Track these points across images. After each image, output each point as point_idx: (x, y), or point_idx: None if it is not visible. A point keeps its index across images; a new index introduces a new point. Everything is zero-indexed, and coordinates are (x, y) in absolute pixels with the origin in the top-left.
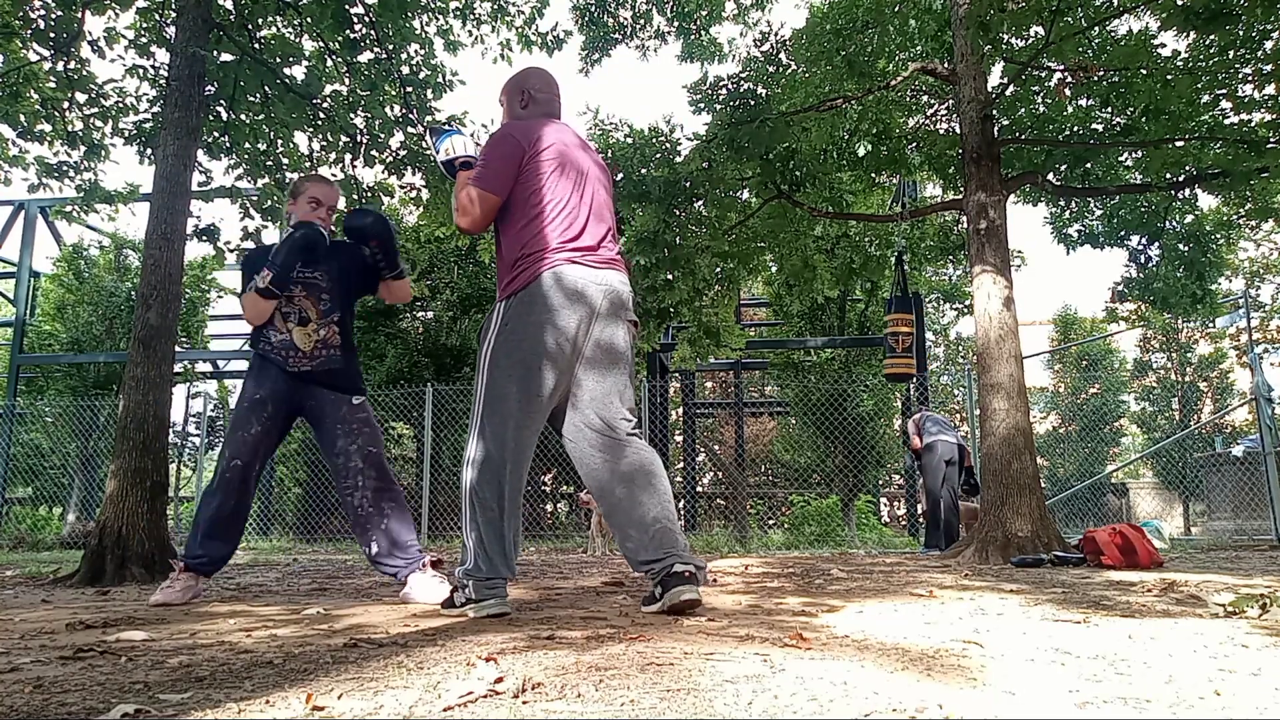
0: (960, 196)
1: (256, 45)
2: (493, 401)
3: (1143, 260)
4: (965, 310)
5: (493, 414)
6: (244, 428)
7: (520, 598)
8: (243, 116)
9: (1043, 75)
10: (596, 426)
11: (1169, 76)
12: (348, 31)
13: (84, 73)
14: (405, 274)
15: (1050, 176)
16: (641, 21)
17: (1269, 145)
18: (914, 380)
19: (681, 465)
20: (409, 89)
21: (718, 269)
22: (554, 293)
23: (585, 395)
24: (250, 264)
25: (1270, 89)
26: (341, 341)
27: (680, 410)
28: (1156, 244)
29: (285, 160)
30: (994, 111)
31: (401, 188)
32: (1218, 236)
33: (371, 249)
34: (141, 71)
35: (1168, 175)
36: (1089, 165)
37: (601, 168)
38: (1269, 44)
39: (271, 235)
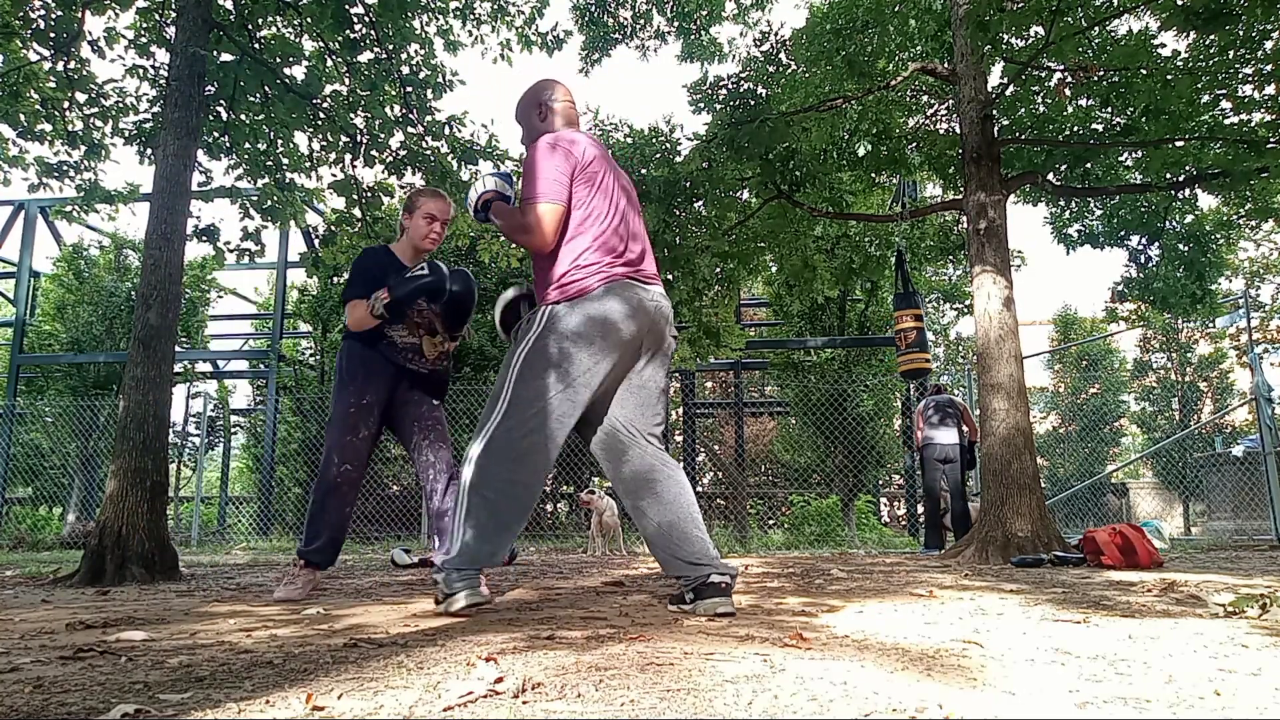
0: (960, 196)
1: (256, 45)
2: (521, 403)
3: (1143, 260)
4: (965, 310)
5: (520, 416)
6: (353, 432)
7: (520, 598)
8: (243, 116)
9: (1043, 75)
10: (627, 436)
11: (1169, 76)
12: (348, 31)
13: (84, 73)
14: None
15: (1050, 176)
16: (641, 21)
17: (1269, 145)
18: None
19: (681, 465)
20: (409, 89)
21: (718, 269)
22: (612, 305)
23: (626, 408)
24: (364, 270)
25: (1270, 89)
26: (448, 359)
27: (680, 410)
28: (1156, 244)
29: (285, 160)
30: (994, 111)
31: (401, 188)
32: (1218, 236)
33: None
34: (141, 71)
35: (1168, 175)
36: (1089, 165)
37: (629, 183)
38: (1269, 44)
39: (272, 235)
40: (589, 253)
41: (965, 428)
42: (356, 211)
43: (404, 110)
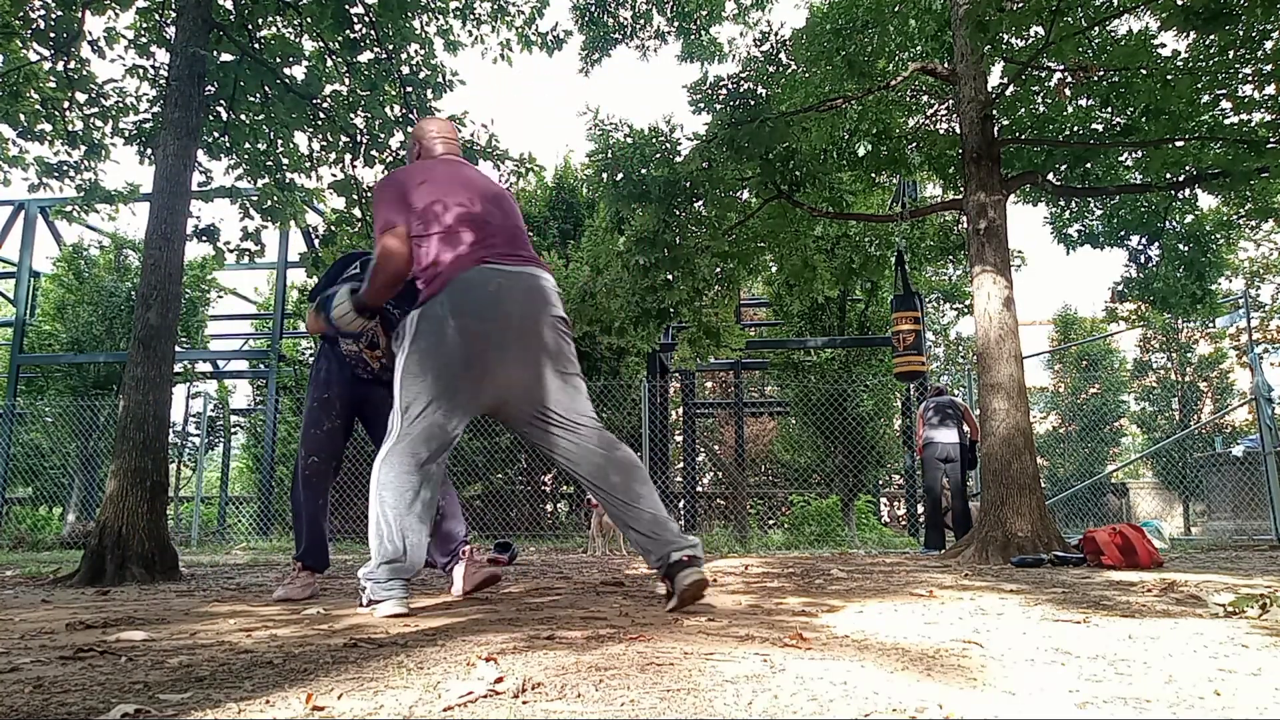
0: (960, 196)
1: (256, 45)
2: (408, 409)
3: (1143, 260)
4: (965, 310)
5: (409, 421)
6: (317, 425)
7: (520, 598)
8: (243, 116)
9: (1043, 75)
10: (558, 421)
11: (1169, 76)
12: (348, 31)
13: (84, 73)
14: None
15: (1050, 176)
16: (641, 21)
17: (1269, 145)
18: (921, 379)
19: (681, 465)
20: (409, 89)
21: (718, 269)
22: (468, 295)
23: (532, 396)
24: (327, 274)
25: (1270, 89)
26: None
27: (680, 410)
28: (1156, 244)
29: (285, 160)
30: (994, 111)
31: None
32: (1218, 236)
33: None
34: (141, 71)
35: (1168, 175)
36: (1089, 165)
37: (501, 190)
38: (1269, 44)
39: (272, 235)
40: (439, 254)
41: (966, 427)
42: (356, 211)
43: (404, 110)
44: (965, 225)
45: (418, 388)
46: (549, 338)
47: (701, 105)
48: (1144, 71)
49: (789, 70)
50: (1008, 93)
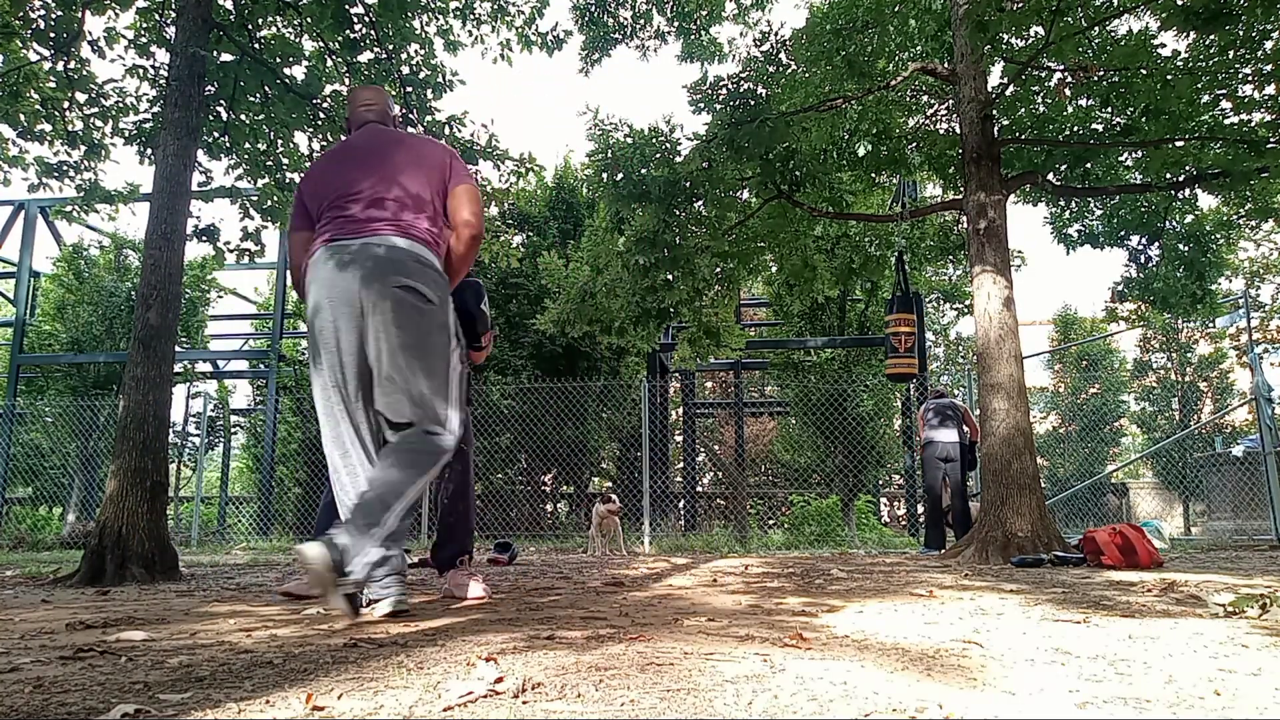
0: (960, 196)
1: (256, 45)
2: (318, 405)
3: (1143, 260)
4: (965, 310)
5: (321, 418)
6: None
7: (520, 598)
8: (243, 116)
9: (1043, 75)
10: (384, 415)
11: (1169, 76)
12: (348, 31)
13: (84, 73)
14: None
15: (1050, 176)
16: (641, 21)
17: (1269, 145)
18: (915, 380)
19: (681, 465)
20: (409, 89)
21: (718, 269)
22: (315, 282)
23: (375, 370)
24: None
25: (1270, 89)
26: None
27: (680, 410)
28: (1156, 244)
29: (285, 160)
30: (994, 111)
31: None
32: (1218, 236)
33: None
34: (141, 71)
35: (1168, 175)
36: (1089, 165)
37: (391, 145)
38: (1269, 44)
39: (272, 235)
40: (315, 245)
41: (966, 428)
42: None
43: (404, 110)
44: (965, 225)
45: (317, 383)
46: (385, 308)
47: (701, 105)
48: (1144, 71)
49: (789, 70)
50: (1008, 93)
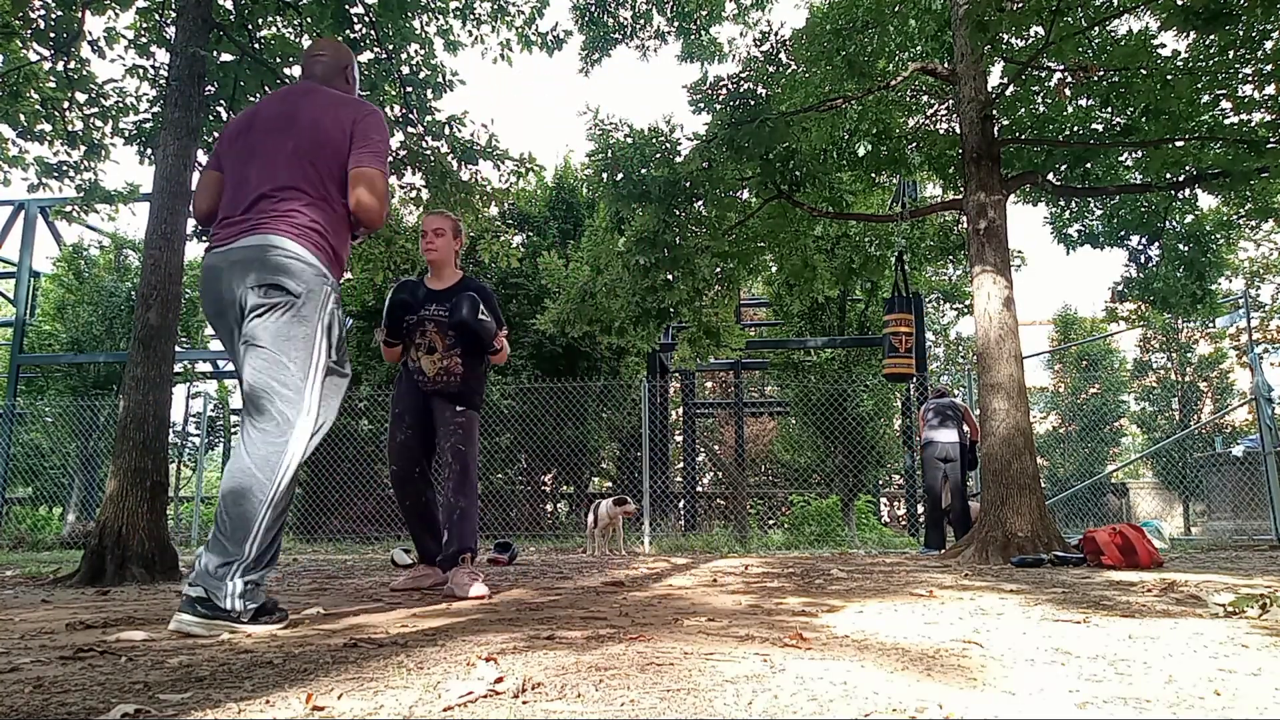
0: (960, 196)
1: (256, 45)
2: None
3: (1143, 260)
4: (965, 310)
5: None
6: (391, 437)
7: (520, 598)
8: None
9: (1043, 75)
10: (245, 402)
11: (1169, 76)
12: (348, 31)
13: (84, 73)
14: (494, 350)
15: (1050, 176)
16: (641, 21)
17: (1269, 145)
18: (914, 380)
19: (681, 465)
20: (409, 89)
21: (718, 269)
22: (201, 294)
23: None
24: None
25: (1270, 89)
26: (463, 370)
27: (680, 410)
28: (1156, 244)
29: None
30: (994, 111)
31: (401, 188)
32: (1218, 236)
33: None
34: (141, 71)
35: (1168, 175)
36: (1089, 165)
37: (291, 113)
38: (1269, 44)
39: None
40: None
41: (966, 428)
42: None
43: (404, 110)
44: (965, 225)
45: None
46: (246, 314)
47: (701, 105)
48: (1144, 71)
49: (789, 70)
50: (1008, 93)
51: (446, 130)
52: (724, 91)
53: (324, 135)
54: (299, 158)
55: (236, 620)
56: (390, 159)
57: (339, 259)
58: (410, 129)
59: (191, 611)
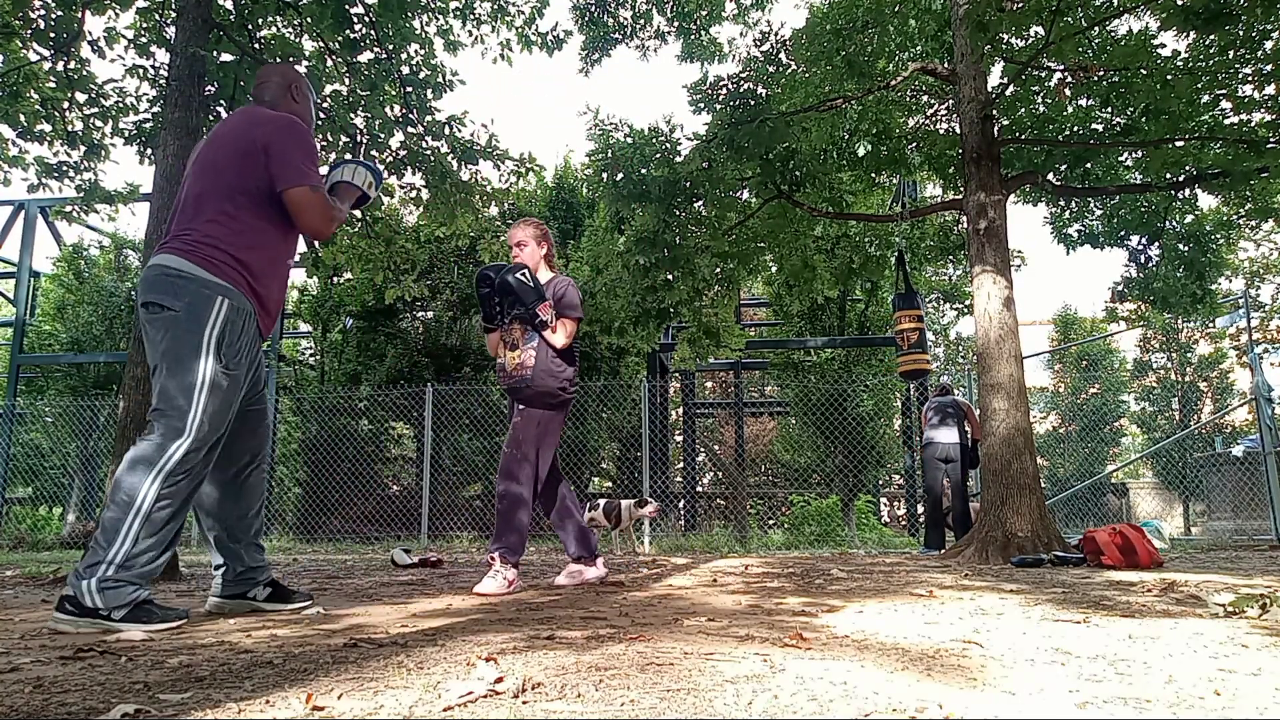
0: (960, 196)
1: (256, 45)
2: None
3: (1143, 260)
4: (965, 310)
5: None
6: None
7: (520, 598)
8: None
9: (1043, 75)
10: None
11: (1169, 76)
12: (348, 31)
13: (84, 73)
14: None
15: (1050, 176)
16: (641, 21)
17: (1269, 145)
18: (922, 379)
19: (681, 465)
20: (409, 89)
21: (718, 269)
22: None
23: None
24: None
25: (1270, 89)
26: (534, 364)
27: (680, 410)
28: (1156, 244)
29: None
30: (994, 111)
31: (401, 188)
32: (1218, 236)
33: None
34: (141, 71)
35: (1168, 175)
36: (1089, 165)
37: (222, 136)
38: (1269, 44)
39: None
40: None
41: (968, 426)
42: (356, 211)
43: (404, 110)
44: (965, 225)
45: None
46: (145, 332)
47: (701, 105)
48: (1144, 71)
49: (789, 70)
50: (1008, 93)
51: (446, 130)
52: (724, 91)
53: (231, 152)
54: (206, 177)
55: (107, 618)
56: (390, 159)
57: (247, 266)
58: (410, 129)
59: (61, 609)
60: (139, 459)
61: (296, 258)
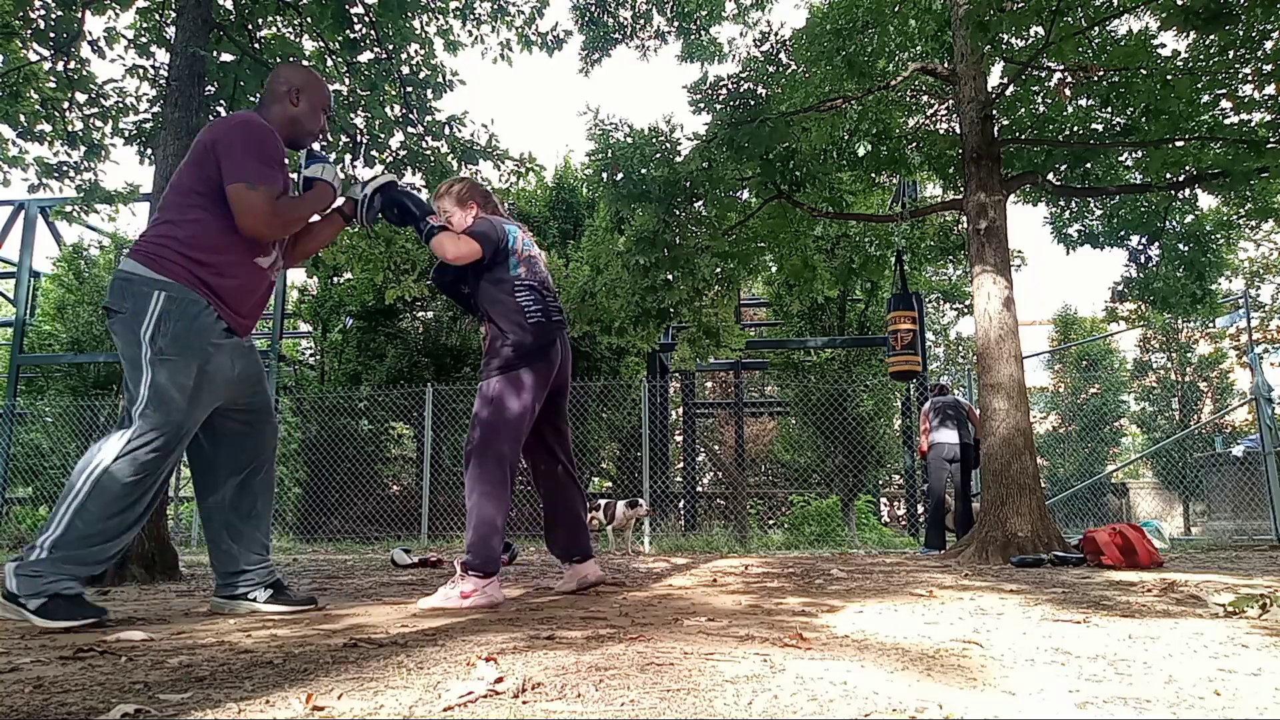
0: (960, 196)
1: (256, 45)
2: None
3: (1143, 260)
4: (965, 310)
5: None
6: None
7: (520, 598)
8: None
9: (1043, 75)
10: None
11: (1169, 76)
12: (348, 31)
13: (84, 73)
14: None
15: (1050, 176)
16: (641, 21)
17: (1269, 145)
18: (915, 379)
19: (681, 465)
20: (409, 89)
21: (718, 269)
22: None
23: None
24: None
25: (1270, 89)
26: (490, 335)
27: (680, 410)
28: (1156, 244)
29: (285, 161)
30: (994, 111)
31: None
32: (1218, 236)
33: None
34: (141, 71)
35: (1168, 175)
36: (1089, 165)
37: (200, 134)
38: (1269, 44)
39: None
40: None
41: (971, 427)
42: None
43: (404, 110)
44: (965, 225)
45: None
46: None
47: (701, 105)
48: (1144, 71)
49: (789, 70)
50: (1008, 93)
51: (446, 130)
52: (724, 91)
53: (190, 158)
54: (171, 184)
55: (24, 606)
56: (390, 160)
57: (201, 264)
58: (410, 129)
59: (3, 594)
60: (91, 453)
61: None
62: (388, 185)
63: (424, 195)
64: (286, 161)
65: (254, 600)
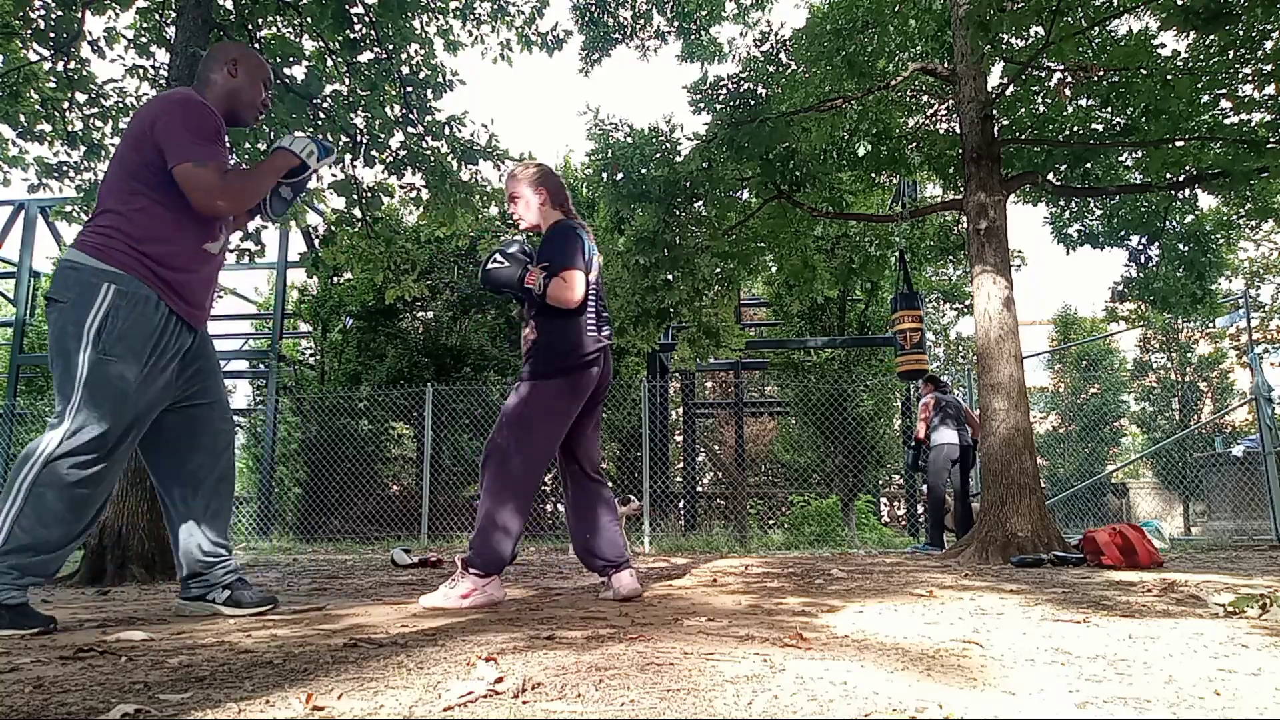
0: (960, 196)
1: (256, 45)
2: None
3: (1143, 260)
4: (965, 310)
5: None
6: None
7: (520, 598)
8: None
9: (1043, 75)
10: None
11: (1169, 76)
12: (348, 31)
13: (84, 73)
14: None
15: (1050, 176)
16: (641, 21)
17: (1269, 145)
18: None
19: (681, 465)
20: (409, 89)
21: (718, 269)
22: None
23: None
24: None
25: (1270, 89)
26: (535, 338)
27: (680, 410)
28: (1156, 244)
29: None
30: (994, 111)
31: (401, 188)
32: (1218, 236)
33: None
34: (141, 71)
35: (1168, 175)
36: (1089, 165)
37: (136, 115)
38: (1269, 44)
39: (272, 235)
40: None
41: (970, 427)
42: (356, 211)
43: (404, 110)
44: (965, 225)
45: None
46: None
47: (701, 105)
48: (1144, 71)
49: (789, 70)
50: (1008, 93)
51: (446, 130)
52: (724, 91)
53: (127, 141)
54: (109, 170)
55: None
56: (390, 159)
57: (150, 254)
58: (410, 129)
59: None
60: (25, 453)
61: (244, 244)
62: (484, 268)
63: (513, 248)
64: (227, 136)
65: (212, 601)
